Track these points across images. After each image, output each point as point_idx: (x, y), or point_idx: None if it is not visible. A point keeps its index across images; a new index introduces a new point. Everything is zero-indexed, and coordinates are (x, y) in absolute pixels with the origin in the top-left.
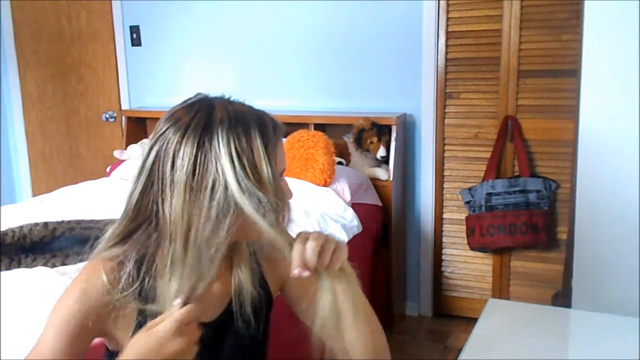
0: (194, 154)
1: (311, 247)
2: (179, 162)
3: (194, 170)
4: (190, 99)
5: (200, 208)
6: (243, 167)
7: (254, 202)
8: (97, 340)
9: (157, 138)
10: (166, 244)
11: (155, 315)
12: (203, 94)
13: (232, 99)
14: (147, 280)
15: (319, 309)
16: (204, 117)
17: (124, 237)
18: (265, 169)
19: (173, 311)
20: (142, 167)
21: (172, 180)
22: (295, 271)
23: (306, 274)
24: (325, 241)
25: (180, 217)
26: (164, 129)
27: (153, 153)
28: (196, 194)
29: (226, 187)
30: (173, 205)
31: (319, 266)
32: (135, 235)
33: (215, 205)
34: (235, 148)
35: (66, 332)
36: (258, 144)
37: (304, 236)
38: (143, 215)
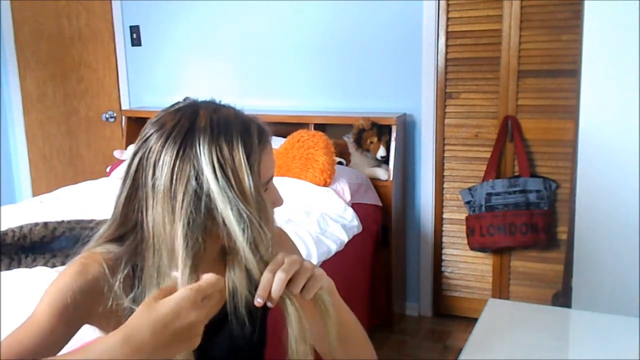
0: (173, 163)
1: (279, 279)
2: (158, 171)
3: (173, 179)
4: (178, 103)
5: (182, 218)
6: (226, 177)
7: (236, 214)
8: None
9: (141, 144)
10: (150, 254)
11: None
12: (191, 99)
13: (222, 102)
14: (139, 287)
15: (288, 336)
16: (186, 125)
17: (114, 240)
18: (247, 180)
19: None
20: (127, 172)
21: (153, 189)
22: (257, 301)
23: (269, 304)
24: (299, 269)
25: (162, 228)
26: (148, 135)
27: (136, 159)
28: (176, 204)
29: (209, 198)
30: (155, 215)
31: (286, 295)
32: (127, 240)
33: (197, 214)
34: (218, 158)
35: (60, 307)
36: (240, 154)
37: (278, 262)
38: (130, 221)
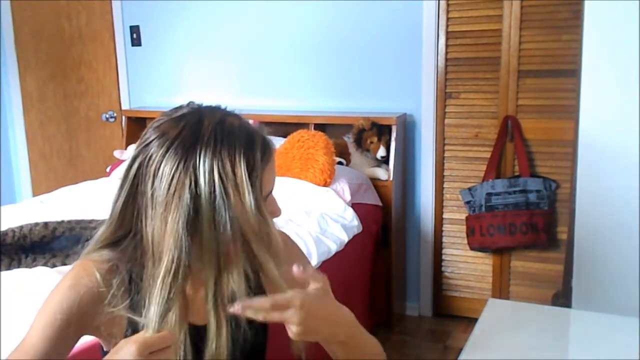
0: (172, 174)
1: (261, 306)
2: (157, 181)
3: (170, 191)
4: (181, 107)
5: (177, 231)
6: (225, 192)
7: (226, 231)
8: (94, 340)
9: (142, 149)
10: (150, 263)
11: (142, 327)
12: (196, 105)
13: (227, 110)
14: (137, 292)
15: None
16: (189, 135)
17: (111, 243)
18: (247, 196)
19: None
20: (126, 176)
21: (152, 199)
22: (236, 307)
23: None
24: (289, 309)
25: (160, 238)
26: (149, 140)
27: (136, 164)
28: (169, 217)
29: (203, 212)
30: (154, 225)
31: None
32: (123, 243)
33: (187, 230)
34: (219, 173)
35: (52, 328)
36: (242, 170)
37: (285, 300)
38: (127, 225)
